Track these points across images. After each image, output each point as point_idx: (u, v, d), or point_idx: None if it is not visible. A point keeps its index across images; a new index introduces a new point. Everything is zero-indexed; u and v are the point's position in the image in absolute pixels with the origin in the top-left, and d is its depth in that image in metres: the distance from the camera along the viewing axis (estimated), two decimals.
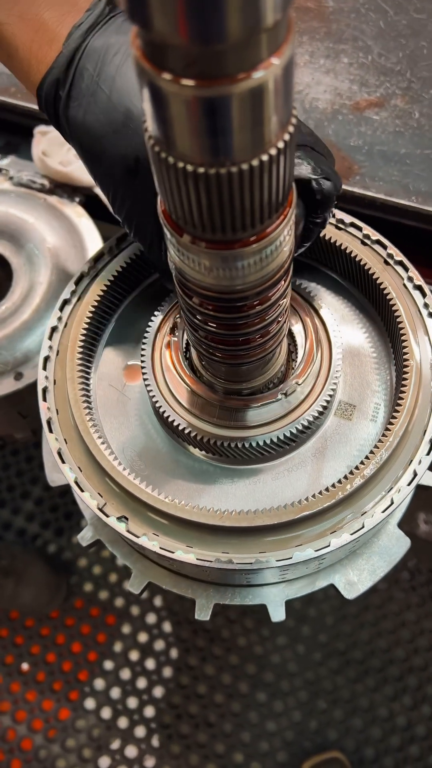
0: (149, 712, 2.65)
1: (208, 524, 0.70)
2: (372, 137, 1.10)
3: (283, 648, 2.72)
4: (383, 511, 0.71)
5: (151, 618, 2.82)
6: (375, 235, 0.85)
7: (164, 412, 0.78)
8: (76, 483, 0.75)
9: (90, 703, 2.67)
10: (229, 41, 0.35)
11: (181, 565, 0.76)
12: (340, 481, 0.71)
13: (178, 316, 0.82)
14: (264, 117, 0.41)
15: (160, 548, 0.71)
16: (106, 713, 2.65)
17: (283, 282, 0.60)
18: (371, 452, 0.72)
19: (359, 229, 0.86)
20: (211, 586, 0.86)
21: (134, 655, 2.75)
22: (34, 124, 1.23)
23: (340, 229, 0.86)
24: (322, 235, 0.83)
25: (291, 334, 0.81)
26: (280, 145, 0.44)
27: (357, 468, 0.72)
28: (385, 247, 0.84)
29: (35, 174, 1.16)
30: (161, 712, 2.64)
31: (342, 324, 0.84)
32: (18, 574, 2.74)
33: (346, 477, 0.71)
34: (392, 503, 0.72)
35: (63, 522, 3.02)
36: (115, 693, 2.68)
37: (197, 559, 0.70)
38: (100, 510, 0.74)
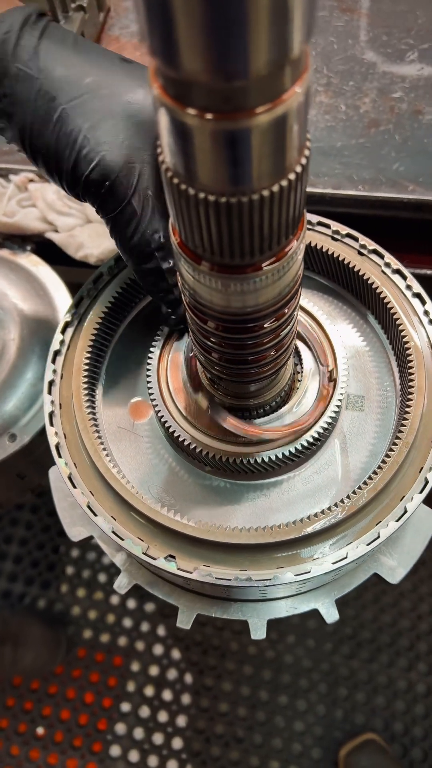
0: (177, 743, 2.60)
1: (256, 543, 0.70)
2: (311, 135, 1.12)
3: (293, 646, 2.73)
4: (420, 492, 0.73)
5: (158, 649, 2.78)
6: (345, 229, 0.87)
7: (184, 440, 0.77)
8: (114, 533, 0.73)
9: (115, 750, 2.60)
10: (256, 76, 0.35)
11: (233, 589, 0.76)
12: (375, 472, 0.72)
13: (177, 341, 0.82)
14: (287, 144, 0.42)
15: (216, 578, 0.70)
16: (134, 756, 2.58)
17: (296, 296, 0.61)
18: (397, 437, 0.74)
19: (327, 226, 0.88)
20: (265, 605, 0.85)
21: (149, 691, 2.70)
22: None
23: (310, 229, 0.87)
24: (322, 248, 0.85)
25: (297, 350, 0.82)
26: (298, 169, 0.45)
27: (387, 456, 0.73)
28: (356, 239, 0.87)
29: None
30: (189, 740, 2.60)
31: (329, 319, 0.85)
32: (13, 639, 2.64)
33: (380, 467, 0.72)
34: (427, 483, 0.73)
35: (47, 574, 2.93)
36: (139, 733, 2.62)
37: (256, 579, 0.69)
38: (145, 554, 0.72)
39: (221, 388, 0.76)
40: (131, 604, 2.83)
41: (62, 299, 1.06)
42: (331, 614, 0.84)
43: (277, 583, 0.69)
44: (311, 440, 0.76)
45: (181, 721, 2.62)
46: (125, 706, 2.67)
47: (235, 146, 0.39)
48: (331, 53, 1.22)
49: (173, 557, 0.72)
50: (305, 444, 0.76)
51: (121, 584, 0.88)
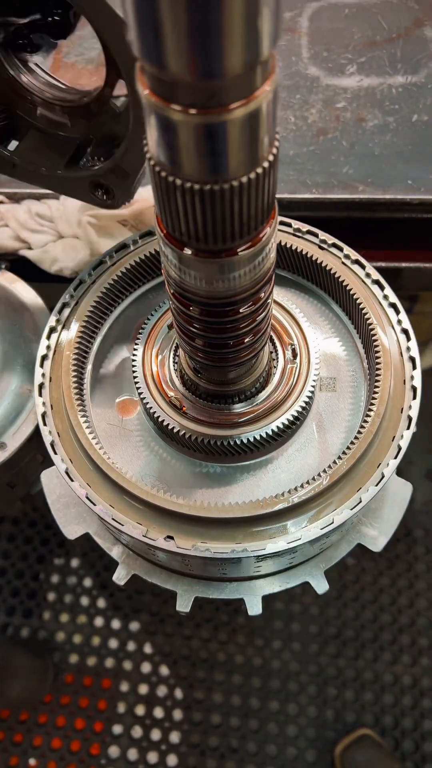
0: (172, 760, 2.59)
1: (248, 516, 0.75)
2: None
3: (280, 651, 2.76)
4: (395, 458, 0.79)
5: (146, 667, 2.78)
6: (305, 227, 0.94)
7: (173, 428, 0.82)
8: (114, 519, 0.77)
9: None
10: (232, 75, 0.41)
11: (229, 565, 0.80)
12: (352, 443, 0.78)
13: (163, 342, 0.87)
14: (259, 136, 0.48)
15: (214, 552, 0.75)
16: None
17: (270, 282, 0.67)
18: (369, 410, 0.80)
19: (289, 225, 0.95)
20: (258, 582, 0.90)
21: (140, 710, 2.69)
22: None
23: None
24: (286, 244, 0.93)
25: (271, 338, 0.88)
26: (270, 158, 0.51)
27: (362, 427, 0.79)
28: (317, 235, 0.94)
29: None
30: (184, 756, 2.59)
31: (299, 310, 0.92)
32: None
33: (356, 437, 0.78)
34: (400, 449, 0.80)
35: (28, 602, 2.91)
36: (133, 754, 2.61)
37: (252, 550, 0.74)
38: (145, 536, 0.76)
39: (204, 377, 0.81)
40: (116, 624, 2.82)
41: (40, 312, 1.11)
42: (321, 585, 0.89)
43: (271, 551, 0.74)
44: (291, 419, 0.82)
45: (175, 737, 2.62)
46: (117, 728, 2.65)
47: (215, 138, 0.45)
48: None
49: (171, 537, 0.77)
50: (285, 423, 0.82)
51: (120, 575, 0.92)
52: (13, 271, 1.16)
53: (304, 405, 0.83)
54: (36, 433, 1.03)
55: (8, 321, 1.07)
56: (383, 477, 0.78)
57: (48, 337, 0.89)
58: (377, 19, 1.38)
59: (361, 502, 0.77)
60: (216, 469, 0.86)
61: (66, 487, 0.93)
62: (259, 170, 0.50)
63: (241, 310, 0.65)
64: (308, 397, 0.84)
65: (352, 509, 0.76)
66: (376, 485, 0.78)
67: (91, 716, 2.69)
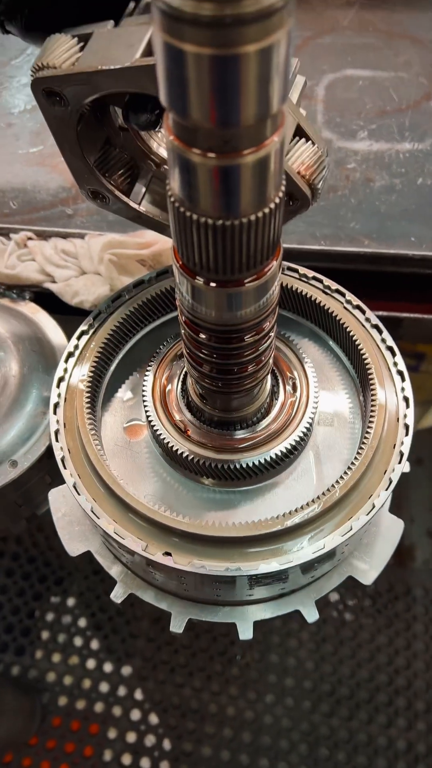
0: None
1: (243, 536, 0.79)
2: None
3: (272, 706, 2.72)
4: (386, 490, 0.84)
5: (135, 714, 2.73)
6: (311, 273, 1.01)
7: (176, 449, 0.87)
8: (117, 534, 0.81)
9: None
10: (245, 125, 0.48)
11: (223, 586, 0.84)
12: (345, 472, 0.83)
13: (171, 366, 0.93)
14: (267, 180, 0.55)
15: (209, 569, 0.78)
16: None
17: (273, 314, 0.73)
18: (363, 442, 0.85)
19: (296, 270, 1.02)
20: (251, 607, 0.93)
21: (127, 759, 2.63)
22: None
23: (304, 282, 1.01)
24: (293, 288, 0.99)
25: (273, 372, 0.94)
26: (276, 201, 0.58)
27: (356, 458, 0.84)
28: (321, 281, 1.01)
29: None
30: None
31: (303, 345, 0.98)
32: None
33: (350, 467, 0.83)
34: (391, 482, 0.84)
35: (21, 640, 2.89)
36: None
37: (245, 569, 0.78)
38: (145, 551, 0.80)
39: (209, 403, 0.86)
40: (108, 667, 2.78)
41: (59, 340, 1.17)
42: (311, 614, 0.92)
43: (263, 572, 0.78)
44: (288, 448, 0.87)
45: None
46: None
47: (228, 179, 0.52)
48: None
49: (169, 554, 0.81)
50: (283, 451, 0.87)
51: (118, 594, 0.95)
52: (37, 302, 1.23)
53: (301, 436, 0.88)
54: (46, 455, 1.08)
55: (29, 347, 1.13)
56: (374, 507, 0.82)
57: (66, 361, 0.95)
58: (389, 92, 1.49)
59: (351, 529, 0.81)
60: (216, 493, 0.90)
61: (71, 505, 0.98)
62: (266, 210, 0.57)
63: (245, 338, 0.71)
64: (306, 429, 0.89)
65: (343, 535, 0.80)
66: (367, 514, 0.82)
67: (76, 763, 2.64)
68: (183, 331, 0.76)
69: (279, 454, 0.87)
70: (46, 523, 1.00)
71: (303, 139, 0.78)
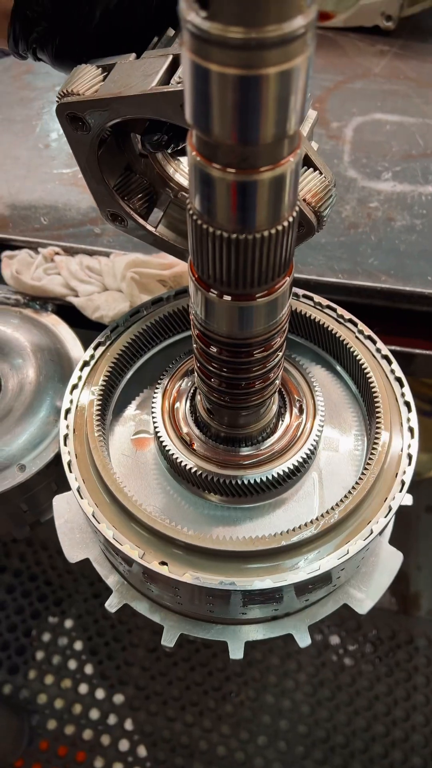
0: None
1: (240, 551, 0.80)
2: None
3: (264, 748, 2.65)
4: (385, 517, 0.84)
5: (123, 745, 2.67)
6: (325, 302, 1.04)
7: (181, 461, 0.88)
8: (115, 540, 0.83)
9: None
10: (264, 143, 0.51)
11: (217, 601, 0.84)
12: (346, 496, 0.83)
13: (181, 382, 0.96)
14: (282, 198, 0.57)
15: (203, 582, 0.79)
16: None
17: (282, 334, 0.75)
18: (365, 468, 0.86)
19: (311, 298, 1.04)
20: (243, 627, 0.93)
21: None
22: None
23: (296, 299, 1.04)
24: (306, 314, 1.02)
25: (281, 393, 0.95)
26: (290, 219, 0.60)
27: (357, 483, 0.85)
28: (335, 309, 1.03)
29: (7, 291, 1.28)
30: None
31: (313, 370, 0.99)
32: None
33: (350, 492, 0.84)
34: (390, 509, 0.85)
35: (16, 658, 2.86)
36: None
37: (239, 584, 0.78)
38: (141, 558, 0.81)
39: (216, 418, 0.88)
40: (100, 694, 2.74)
41: (77, 352, 1.21)
42: (303, 639, 0.91)
43: (257, 588, 0.78)
44: (291, 468, 0.88)
45: None
46: None
47: (245, 194, 0.55)
48: None
49: (165, 563, 0.82)
50: (285, 471, 0.88)
51: (112, 603, 0.96)
52: (59, 314, 1.27)
53: (304, 458, 0.89)
54: (54, 462, 1.10)
55: (47, 356, 1.17)
56: (372, 533, 0.83)
57: (81, 369, 0.97)
58: (415, 137, 1.53)
59: (348, 553, 0.81)
60: (218, 509, 0.91)
61: (74, 512, 0.99)
62: (280, 227, 0.59)
63: (255, 353, 0.73)
64: (309, 451, 0.90)
65: (339, 558, 0.80)
66: (365, 539, 0.82)
67: None
68: (195, 345, 0.78)
69: (282, 473, 0.88)
70: (51, 542, 1.01)
71: (311, 169, 0.81)
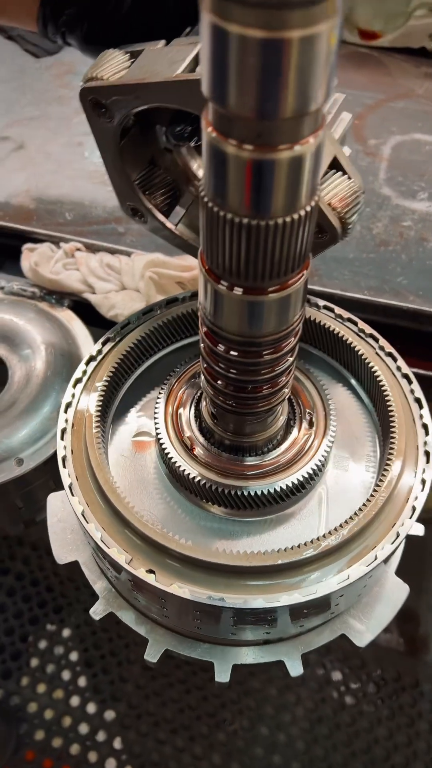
0: None
1: (233, 565, 0.75)
2: None
3: None
4: (392, 543, 0.78)
5: (110, 764, 2.58)
6: (346, 314, 0.99)
7: (180, 466, 0.84)
8: (103, 542, 0.78)
9: None
10: (283, 117, 0.47)
11: (205, 618, 0.79)
12: (351, 518, 0.78)
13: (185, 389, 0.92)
14: (300, 183, 0.54)
15: (192, 594, 0.74)
16: None
17: (293, 337, 0.71)
18: (375, 490, 0.80)
19: (331, 310, 1.00)
20: (229, 648, 0.87)
21: None
22: (18, 244, 1.35)
23: (316, 309, 0.99)
24: (325, 325, 0.98)
25: (291, 404, 0.91)
26: (308, 209, 0.56)
27: (365, 505, 0.79)
28: (356, 323, 0.98)
29: (24, 283, 1.26)
30: None
31: (329, 384, 0.95)
32: None
33: (356, 514, 0.78)
34: (398, 535, 0.79)
35: (10, 663, 2.81)
36: None
37: (229, 601, 0.73)
38: (128, 564, 0.77)
39: (221, 424, 0.84)
40: (91, 708, 2.67)
41: (88, 348, 1.18)
42: (295, 668, 0.85)
43: (248, 607, 0.73)
44: (295, 483, 0.83)
45: None
46: None
47: (261, 174, 0.51)
48: None
49: (153, 572, 0.77)
50: (291, 484, 0.83)
51: (97, 610, 0.91)
52: (74, 310, 1.25)
53: (310, 473, 0.84)
54: (53, 459, 1.07)
55: (57, 351, 1.14)
56: (376, 559, 0.77)
57: (86, 364, 0.94)
58: None
59: (348, 578, 0.76)
60: (216, 521, 0.86)
61: (68, 512, 0.95)
62: (296, 216, 0.55)
63: (263, 354, 0.69)
64: (316, 467, 0.85)
65: (339, 583, 0.75)
66: (368, 565, 0.77)
67: None
68: (202, 344, 0.74)
69: (286, 487, 0.83)
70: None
71: (340, 173, 0.77)
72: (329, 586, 0.75)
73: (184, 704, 2.77)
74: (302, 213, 0.55)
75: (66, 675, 2.83)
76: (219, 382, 0.75)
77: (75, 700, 2.76)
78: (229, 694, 2.87)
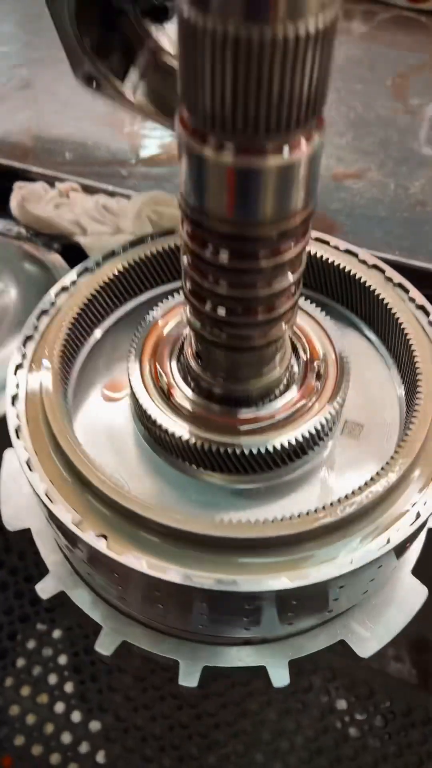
0: None
1: (201, 534, 0.59)
2: (352, 202, 1.14)
3: None
4: (410, 525, 0.61)
5: None
6: (372, 260, 0.83)
7: (150, 414, 0.68)
8: (47, 496, 0.63)
9: None
10: None
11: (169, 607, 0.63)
12: (348, 497, 0.61)
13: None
14: None
15: (147, 567, 0.58)
16: None
17: (300, 240, 0.55)
18: (397, 450, 0.64)
19: (355, 255, 0.84)
20: (200, 646, 0.71)
21: None
22: (9, 185, 1.21)
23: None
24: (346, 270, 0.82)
25: (296, 351, 0.75)
26: (319, 24, 0.41)
27: (379, 474, 0.63)
28: (383, 271, 0.82)
29: (10, 223, 1.13)
30: None
31: (345, 338, 0.78)
32: None
33: (354, 492, 0.62)
34: (419, 516, 0.62)
35: None
36: None
37: (195, 579, 0.57)
38: (75, 525, 0.61)
39: (210, 369, 0.68)
40: (76, 717, 2.50)
41: None
42: (279, 676, 0.68)
43: (217, 589, 0.57)
44: (296, 441, 0.67)
45: None
46: None
47: None
48: (390, 143, 1.27)
49: (105, 537, 0.61)
50: (289, 443, 0.66)
51: (45, 587, 0.76)
52: (63, 255, 1.11)
53: (312, 434, 0.68)
54: None
55: (35, 295, 1.00)
56: (388, 542, 0.60)
57: (56, 295, 0.79)
58: None
59: (352, 564, 0.59)
60: (197, 488, 0.70)
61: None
62: (303, 32, 0.40)
63: (260, 257, 0.53)
64: (320, 427, 0.69)
65: (337, 569, 0.58)
66: (378, 550, 0.60)
67: None
68: (186, 256, 0.59)
69: (281, 447, 0.67)
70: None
71: None
72: (326, 572, 0.58)
73: (174, 721, 2.58)
74: (311, 25, 0.40)
75: (53, 679, 2.66)
76: (207, 304, 0.60)
77: (60, 707, 2.58)
78: (225, 715, 2.67)
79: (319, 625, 0.72)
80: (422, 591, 0.75)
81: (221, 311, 0.60)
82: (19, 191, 1.12)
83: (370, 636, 0.72)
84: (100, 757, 2.49)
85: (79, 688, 2.63)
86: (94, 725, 2.56)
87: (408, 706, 2.69)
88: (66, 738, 2.51)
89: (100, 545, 0.59)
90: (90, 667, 2.72)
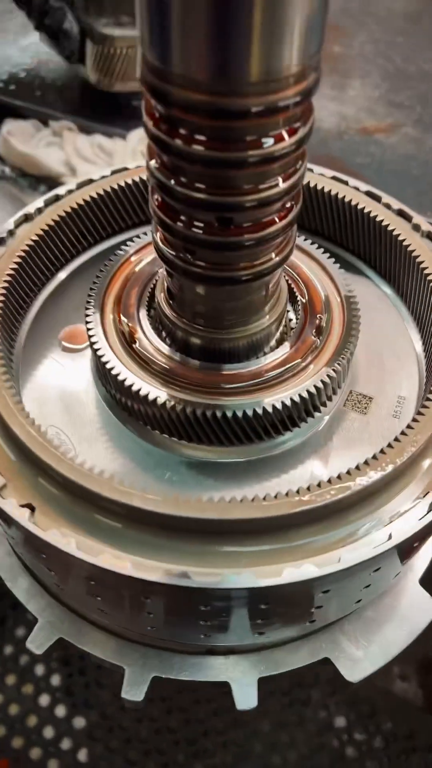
0: None
1: (154, 512, 0.45)
2: (382, 157, 1.01)
3: None
4: (423, 517, 0.48)
5: None
6: (397, 204, 0.69)
7: (111, 367, 0.55)
8: None
9: None
10: None
11: (114, 598, 0.50)
12: (341, 476, 0.48)
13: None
14: None
15: (77, 548, 0.45)
16: None
17: (296, 124, 0.42)
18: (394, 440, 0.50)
19: (379, 199, 0.70)
20: (152, 652, 0.58)
21: None
22: None
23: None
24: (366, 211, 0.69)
25: (295, 299, 0.61)
26: None
27: (374, 457, 0.49)
28: (410, 218, 0.68)
29: None
30: None
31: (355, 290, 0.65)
32: None
33: (349, 473, 0.48)
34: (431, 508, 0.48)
35: None
36: None
37: (134, 568, 0.44)
38: None
39: (186, 312, 0.55)
40: (60, 711, 2.38)
41: None
42: (245, 696, 0.55)
43: (158, 581, 0.44)
44: (290, 403, 0.53)
45: None
46: None
47: None
48: (429, 98, 1.13)
49: (32, 508, 0.48)
50: (282, 404, 0.53)
51: None
52: None
53: (308, 395, 0.54)
54: None
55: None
56: (390, 538, 0.46)
57: (17, 224, 0.67)
58: None
59: (339, 562, 0.45)
60: (169, 461, 0.57)
61: None
62: None
63: (240, 144, 0.40)
64: (318, 388, 0.55)
65: (319, 568, 0.45)
66: (374, 547, 0.46)
67: None
68: (152, 158, 0.46)
69: (272, 408, 0.53)
70: None
71: None
72: (306, 570, 0.44)
73: (162, 725, 2.45)
74: None
75: (39, 670, 2.54)
76: (180, 222, 0.46)
77: (44, 699, 2.47)
78: (215, 723, 2.53)
79: (300, 637, 0.58)
80: (431, 606, 0.60)
81: (196, 227, 0.46)
82: (7, 127, 1.00)
83: (362, 656, 0.58)
84: (82, 756, 2.36)
85: (65, 681, 2.51)
86: (79, 722, 2.44)
87: (410, 729, 2.52)
88: (48, 732, 2.39)
89: (22, 517, 0.47)
90: (79, 661, 2.60)
